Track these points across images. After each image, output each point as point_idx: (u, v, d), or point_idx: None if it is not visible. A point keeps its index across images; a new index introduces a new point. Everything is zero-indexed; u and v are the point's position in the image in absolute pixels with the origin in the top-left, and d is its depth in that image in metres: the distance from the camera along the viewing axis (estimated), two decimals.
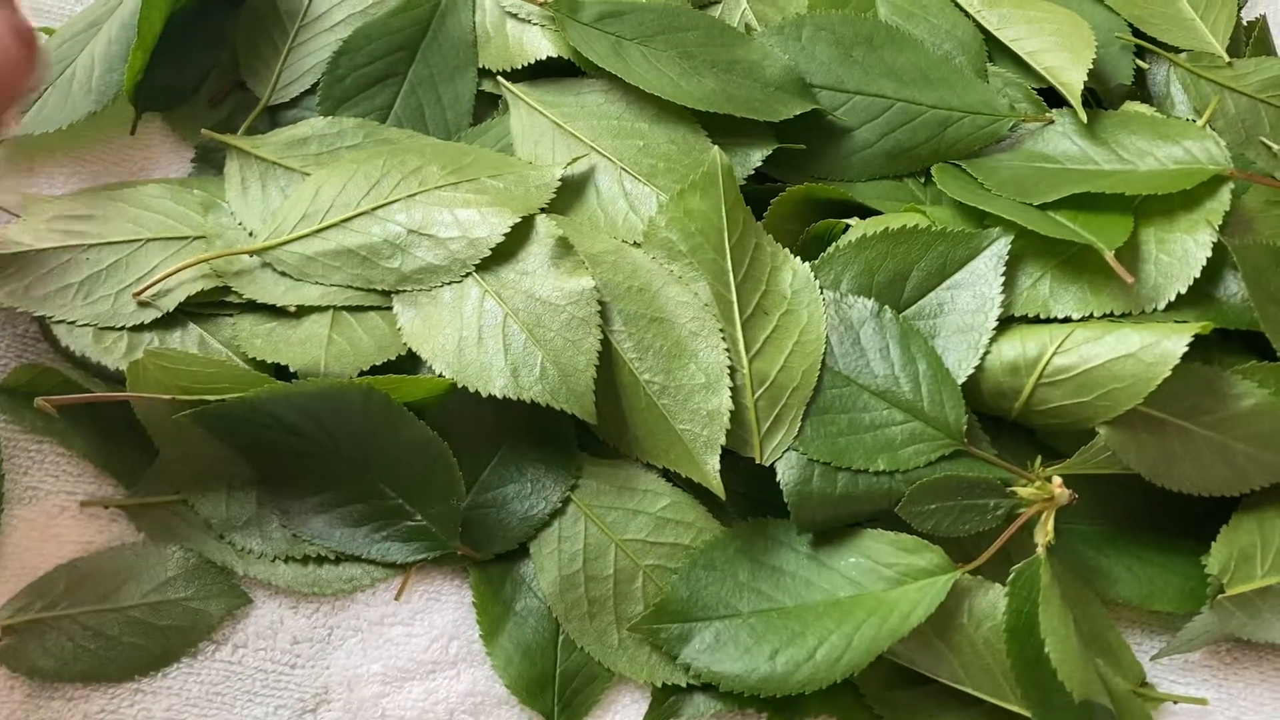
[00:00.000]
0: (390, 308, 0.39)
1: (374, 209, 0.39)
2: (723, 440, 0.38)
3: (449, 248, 0.39)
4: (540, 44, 0.45)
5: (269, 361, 0.38)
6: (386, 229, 0.39)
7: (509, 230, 0.39)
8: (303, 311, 0.39)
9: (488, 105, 0.46)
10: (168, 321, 0.39)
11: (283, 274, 0.39)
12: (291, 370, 0.38)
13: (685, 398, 0.38)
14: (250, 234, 0.41)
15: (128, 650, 0.37)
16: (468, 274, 0.39)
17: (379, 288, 0.39)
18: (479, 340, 0.38)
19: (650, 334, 0.39)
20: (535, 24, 0.45)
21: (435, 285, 0.39)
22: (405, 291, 0.39)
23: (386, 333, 0.39)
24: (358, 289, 0.39)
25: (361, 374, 0.38)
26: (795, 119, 0.43)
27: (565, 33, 0.43)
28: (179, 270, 0.39)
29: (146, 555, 0.39)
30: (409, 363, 0.39)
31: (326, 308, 0.40)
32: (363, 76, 0.45)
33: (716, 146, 0.41)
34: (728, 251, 0.39)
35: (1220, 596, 0.38)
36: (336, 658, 0.38)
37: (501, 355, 0.38)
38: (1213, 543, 0.39)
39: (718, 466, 0.38)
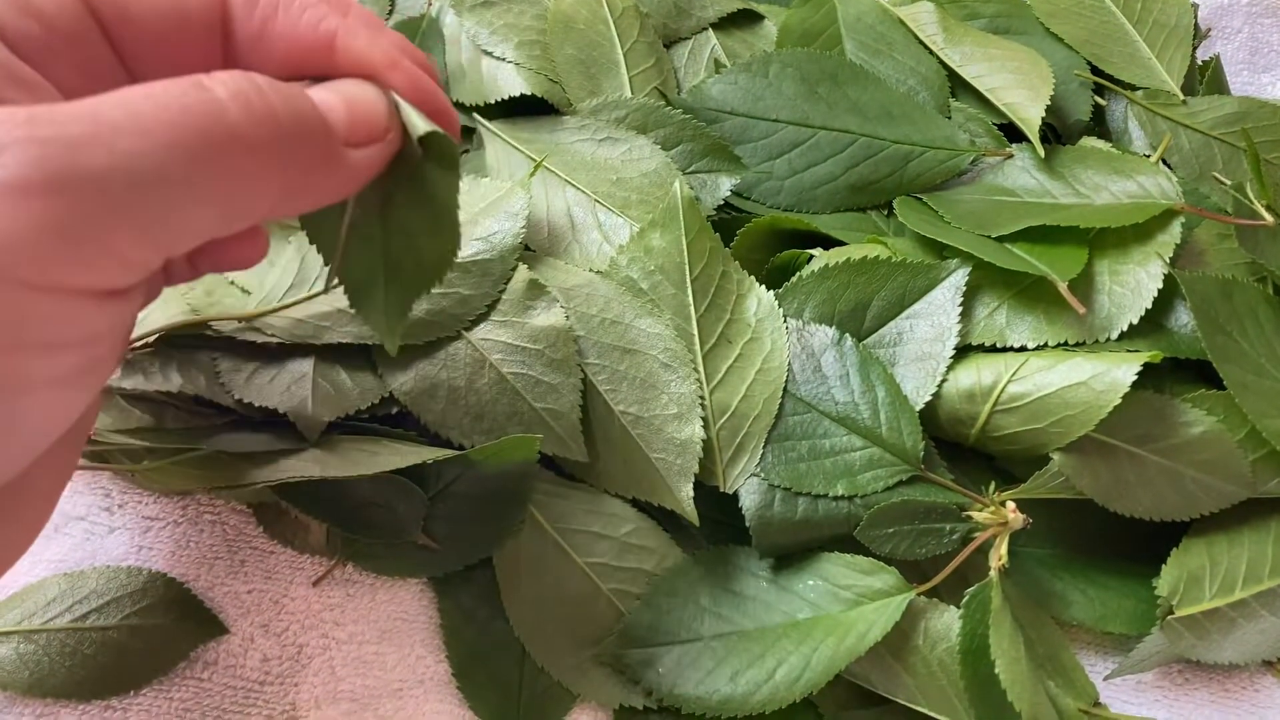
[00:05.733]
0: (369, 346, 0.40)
1: None
2: (695, 469, 0.39)
3: (440, 303, 0.40)
4: (514, 81, 0.46)
5: (256, 405, 0.38)
6: None
7: (503, 288, 0.40)
8: (285, 352, 0.39)
9: (463, 137, 0.48)
10: (148, 350, 0.40)
11: (271, 335, 0.39)
12: (281, 412, 0.38)
13: (659, 427, 0.39)
14: (244, 291, 0.41)
15: (101, 670, 0.37)
16: (462, 330, 0.39)
17: (369, 342, 0.39)
18: (467, 391, 0.39)
19: (624, 365, 0.40)
20: (509, 62, 0.46)
21: (428, 339, 0.39)
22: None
23: (369, 376, 0.40)
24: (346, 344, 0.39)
25: (347, 417, 0.39)
26: (762, 154, 0.44)
27: None
28: (170, 328, 0.39)
29: (130, 578, 0.39)
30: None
31: (309, 351, 0.40)
32: None
33: (680, 179, 0.42)
34: (689, 285, 0.40)
35: (1170, 618, 0.39)
36: (305, 676, 0.39)
37: (491, 405, 0.39)
38: (1163, 566, 0.39)
39: (691, 494, 0.39)
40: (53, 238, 0.19)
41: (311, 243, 0.31)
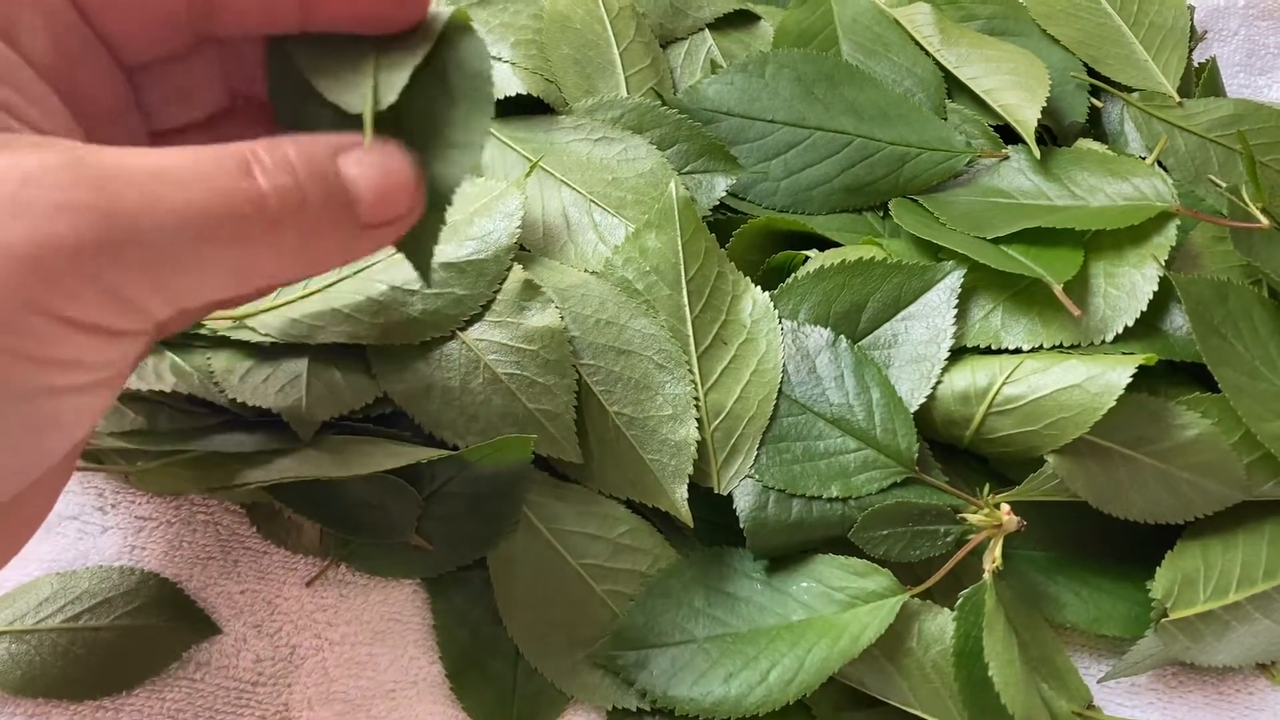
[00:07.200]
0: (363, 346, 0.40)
1: (358, 272, 0.40)
2: (690, 470, 0.39)
3: (434, 303, 0.40)
4: (510, 81, 0.46)
5: (250, 405, 0.38)
6: (373, 288, 0.39)
7: (498, 288, 0.40)
8: (279, 352, 0.39)
9: None
10: None
11: (264, 335, 0.39)
12: (275, 412, 0.38)
13: (653, 429, 0.39)
14: None
15: (93, 670, 0.37)
16: (456, 330, 0.39)
17: (363, 342, 0.39)
18: (462, 392, 0.39)
19: (619, 366, 0.40)
20: (505, 61, 0.46)
21: (422, 339, 0.39)
22: (385, 346, 0.39)
23: (363, 376, 0.39)
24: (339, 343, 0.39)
25: (341, 417, 0.39)
26: (758, 155, 0.45)
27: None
28: None
29: (122, 578, 0.39)
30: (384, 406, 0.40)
31: (303, 351, 0.39)
32: None
33: (675, 179, 0.42)
34: (684, 286, 0.40)
35: (1164, 620, 0.39)
36: (298, 676, 0.38)
37: (485, 406, 0.39)
38: (1158, 568, 0.39)
39: (685, 496, 0.39)
40: (94, 292, 0.22)
41: None
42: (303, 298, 0.40)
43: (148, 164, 0.22)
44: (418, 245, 0.28)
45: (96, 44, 0.28)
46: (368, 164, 0.25)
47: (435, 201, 0.27)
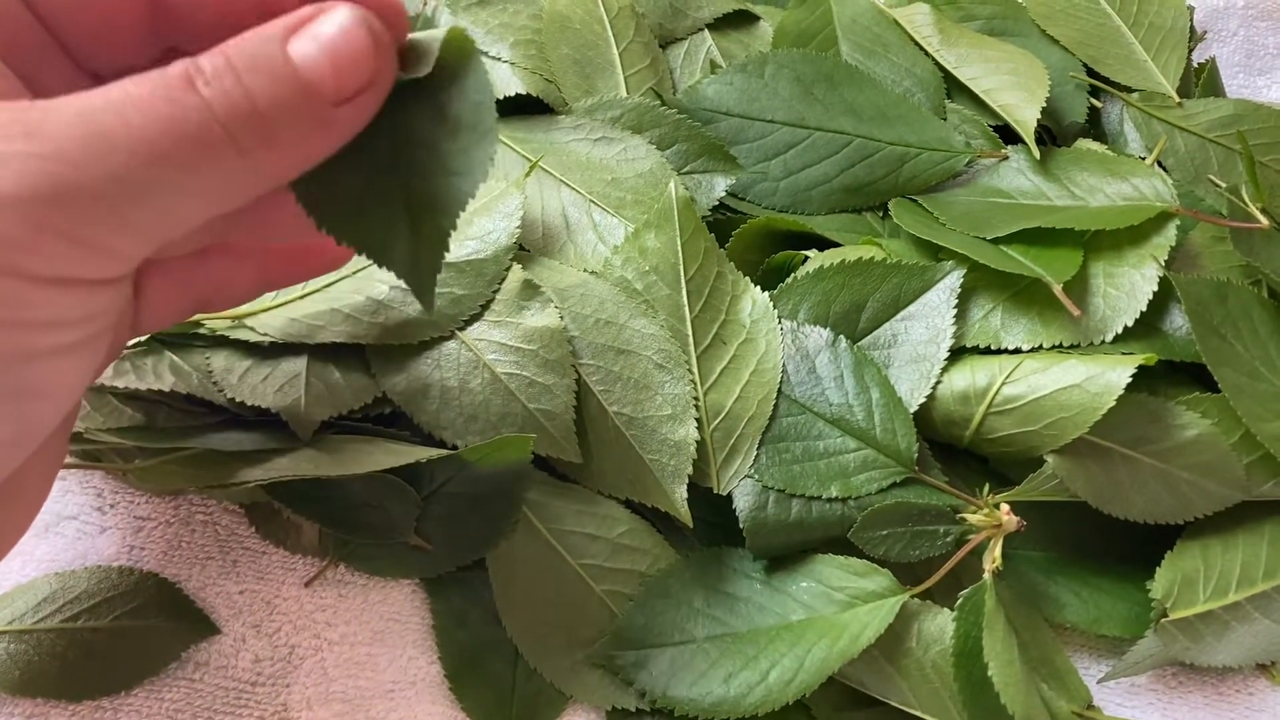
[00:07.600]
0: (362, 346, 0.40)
1: (358, 272, 0.40)
2: (689, 470, 0.39)
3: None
4: (510, 81, 0.46)
5: (249, 404, 0.38)
6: (373, 288, 0.40)
7: (497, 288, 0.40)
8: (278, 351, 0.39)
9: None
10: (140, 349, 0.40)
11: (263, 334, 0.39)
12: (274, 411, 0.38)
13: (653, 428, 0.39)
14: None
15: (92, 670, 0.37)
16: (456, 330, 0.39)
17: (362, 342, 0.39)
18: (461, 392, 0.39)
19: (618, 366, 0.40)
20: (505, 61, 0.46)
21: (421, 339, 0.39)
22: (385, 345, 0.39)
23: (362, 375, 0.39)
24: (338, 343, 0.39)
25: (340, 417, 0.39)
26: (757, 155, 0.44)
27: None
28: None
29: (121, 578, 0.39)
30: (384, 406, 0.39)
31: (302, 350, 0.39)
32: None
33: (675, 179, 0.42)
34: (683, 286, 0.40)
35: (1164, 621, 0.39)
36: (297, 676, 0.38)
37: (484, 406, 0.39)
38: (1157, 569, 0.39)
39: (685, 495, 0.39)
40: (53, 241, 0.21)
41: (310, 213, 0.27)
42: (302, 297, 0.40)
43: (86, 100, 0.21)
44: (419, 273, 0.26)
45: (56, 49, 0.27)
46: (317, 34, 0.22)
47: (436, 231, 0.26)
